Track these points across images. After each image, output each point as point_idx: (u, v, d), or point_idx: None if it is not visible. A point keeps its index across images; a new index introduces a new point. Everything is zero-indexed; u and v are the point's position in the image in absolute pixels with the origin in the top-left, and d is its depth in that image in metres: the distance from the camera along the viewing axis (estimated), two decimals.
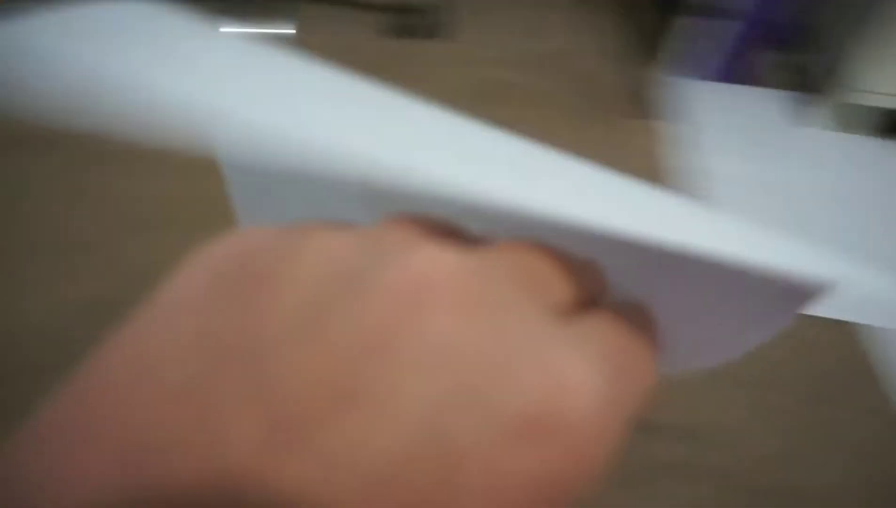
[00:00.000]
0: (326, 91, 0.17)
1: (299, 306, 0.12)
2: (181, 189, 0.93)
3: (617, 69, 0.93)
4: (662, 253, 0.14)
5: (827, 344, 0.75)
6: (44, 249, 0.87)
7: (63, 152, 0.99)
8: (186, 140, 0.14)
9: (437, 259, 0.12)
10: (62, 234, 0.89)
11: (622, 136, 0.73)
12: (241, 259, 0.13)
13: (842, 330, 0.76)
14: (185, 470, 0.10)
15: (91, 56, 0.15)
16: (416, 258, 0.12)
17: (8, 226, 0.90)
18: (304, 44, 1.37)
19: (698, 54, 1.42)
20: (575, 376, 0.12)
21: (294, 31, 1.36)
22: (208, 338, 0.12)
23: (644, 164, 0.69)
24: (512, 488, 0.11)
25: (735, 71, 1.47)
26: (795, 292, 0.17)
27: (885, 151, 1.08)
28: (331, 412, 0.11)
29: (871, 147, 1.08)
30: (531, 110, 0.83)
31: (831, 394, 0.75)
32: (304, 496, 0.10)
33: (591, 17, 1.15)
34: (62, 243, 0.88)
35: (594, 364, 0.12)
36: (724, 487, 0.67)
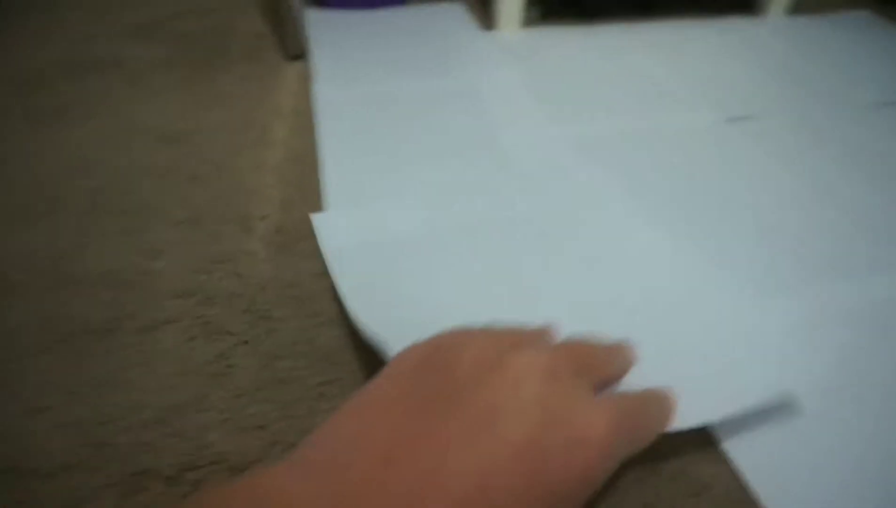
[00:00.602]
0: None
1: (469, 374, 0.25)
2: None
3: (252, 17, 0.80)
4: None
5: None
6: None
7: None
8: None
9: (533, 356, 0.26)
10: None
11: (267, 78, 0.66)
12: (432, 349, 0.27)
13: None
14: (410, 456, 0.22)
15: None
16: (525, 354, 0.26)
17: None
18: None
19: None
20: (597, 424, 0.24)
21: None
22: (422, 387, 0.25)
23: (294, 102, 0.62)
24: (565, 471, 0.23)
25: None
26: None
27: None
28: (491, 419, 0.23)
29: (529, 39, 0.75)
30: (158, 72, 0.67)
31: None
32: (479, 451, 0.22)
33: None
34: None
35: (607, 423, 0.25)
36: None
